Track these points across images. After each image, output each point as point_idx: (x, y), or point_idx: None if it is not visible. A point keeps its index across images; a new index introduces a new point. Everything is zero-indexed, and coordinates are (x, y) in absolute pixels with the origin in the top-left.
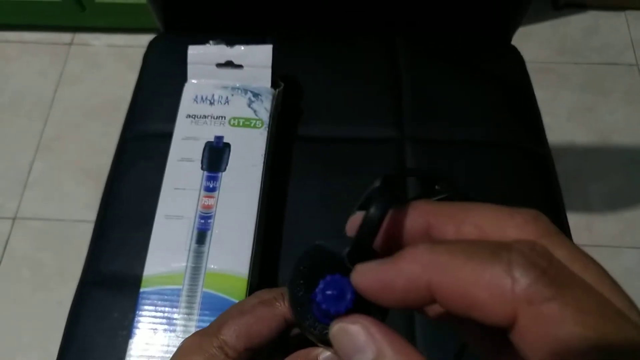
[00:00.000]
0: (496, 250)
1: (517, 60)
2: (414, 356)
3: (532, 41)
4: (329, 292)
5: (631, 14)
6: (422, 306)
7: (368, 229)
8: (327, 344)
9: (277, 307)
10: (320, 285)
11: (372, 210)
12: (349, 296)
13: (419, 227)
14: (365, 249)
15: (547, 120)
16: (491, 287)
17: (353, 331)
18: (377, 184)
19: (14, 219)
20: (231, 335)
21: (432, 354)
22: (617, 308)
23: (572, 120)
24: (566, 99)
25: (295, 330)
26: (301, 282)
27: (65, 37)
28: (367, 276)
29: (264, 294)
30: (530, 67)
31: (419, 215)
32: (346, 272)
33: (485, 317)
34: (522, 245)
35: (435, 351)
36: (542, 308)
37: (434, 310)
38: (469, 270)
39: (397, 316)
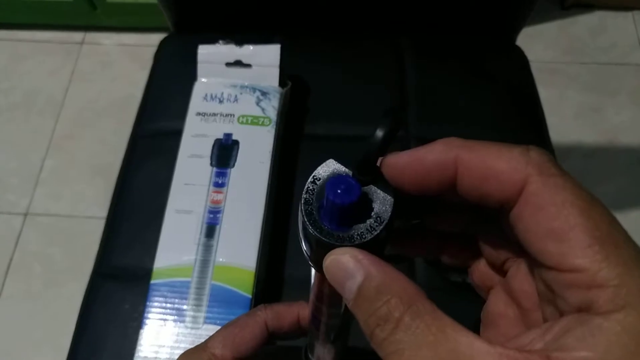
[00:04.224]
0: (517, 144)
1: (521, 60)
2: (397, 275)
3: (539, 41)
4: (337, 187)
5: (638, 14)
6: (441, 187)
7: (375, 145)
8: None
9: (258, 314)
10: (331, 181)
11: (378, 129)
12: (355, 192)
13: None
14: (372, 164)
15: (553, 120)
16: (510, 160)
17: (343, 260)
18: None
19: (25, 215)
20: (217, 345)
21: None
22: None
23: (579, 120)
24: (573, 99)
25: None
26: (313, 190)
27: (77, 36)
28: (401, 155)
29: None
30: (537, 67)
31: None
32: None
33: (498, 186)
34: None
35: None
36: (550, 179)
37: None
38: (492, 150)
39: None
